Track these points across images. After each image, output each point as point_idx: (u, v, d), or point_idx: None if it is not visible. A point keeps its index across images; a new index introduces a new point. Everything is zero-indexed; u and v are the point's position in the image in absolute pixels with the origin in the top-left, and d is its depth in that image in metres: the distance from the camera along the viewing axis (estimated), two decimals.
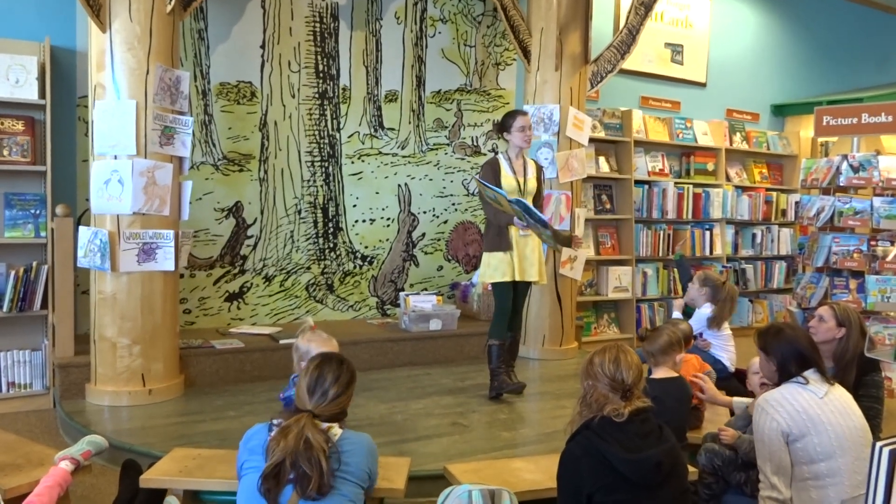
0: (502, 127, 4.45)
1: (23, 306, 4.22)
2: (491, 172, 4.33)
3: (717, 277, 4.53)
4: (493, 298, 4.45)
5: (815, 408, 2.51)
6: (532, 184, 4.39)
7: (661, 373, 3.01)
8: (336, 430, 2.13)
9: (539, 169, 4.51)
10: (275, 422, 2.13)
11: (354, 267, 5.72)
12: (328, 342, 2.76)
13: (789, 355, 2.65)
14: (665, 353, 3.06)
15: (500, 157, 4.42)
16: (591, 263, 6.40)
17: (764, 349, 2.76)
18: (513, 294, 4.40)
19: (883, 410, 3.35)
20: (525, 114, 4.43)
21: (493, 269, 4.31)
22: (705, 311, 4.39)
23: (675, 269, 6.12)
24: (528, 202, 3.99)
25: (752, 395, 3.41)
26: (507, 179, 4.32)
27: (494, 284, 4.37)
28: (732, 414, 3.44)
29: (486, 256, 4.36)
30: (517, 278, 4.31)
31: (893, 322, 4.80)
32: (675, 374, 3.07)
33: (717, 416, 3.53)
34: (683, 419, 3.03)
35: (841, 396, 2.61)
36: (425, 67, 5.90)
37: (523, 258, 4.31)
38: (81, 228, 4.07)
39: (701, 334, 4.40)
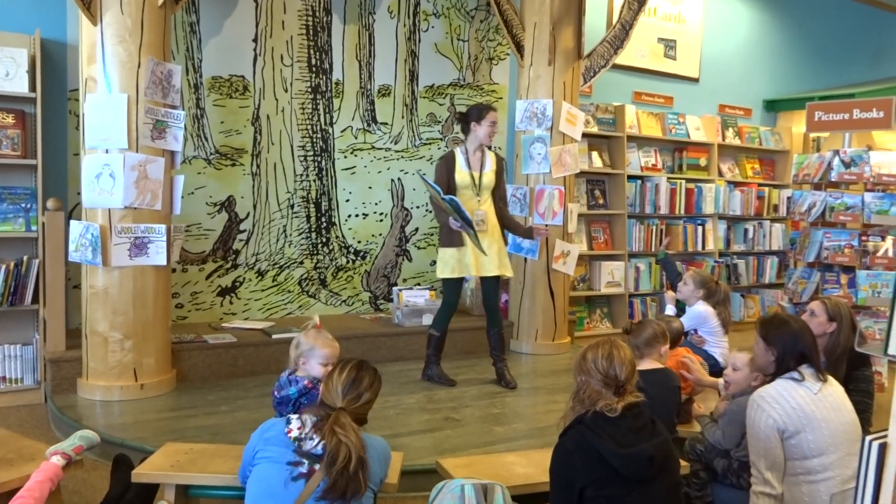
0: (469, 117, 4.39)
1: (14, 301, 4.21)
2: (444, 167, 4.31)
3: (710, 278, 4.58)
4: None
5: (811, 404, 2.51)
6: (489, 178, 4.38)
7: (646, 364, 3.02)
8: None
9: (499, 161, 4.49)
10: (300, 417, 2.13)
11: (347, 262, 5.71)
12: (332, 343, 2.74)
13: (791, 349, 2.60)
14: (649, 345, 3.07)
15: (458, 151, 4.39)
16: (583, 258, 6.40)
17: (765, 338, 2.69)
18: (480, 292, 4.48)
19: (873, 404, 3.38)
20: (496, 110, 4.42)
21: (444, 263, 4.35)
22: (699, 308, 4.42)
23: (662, 268, 6.14)
24: (480, 194, 3.98)
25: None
26: (461, 175, 4.31)
27: (443, 280, 4.41)
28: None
29: (439, 252, 4.38)
30: (473, 274, 4.32)
31: (884, 317, 4.83)
32: (661, 366, 3.09)
33: (709, 411, 3.54)
34: (671, 410, 3.04)
35: (835, 392, 2.60)
36: (418, 62, 5.88)
37: (479, 254, 4.29)
38: (73, 222, 4.04)
39: (696, 330, 4.43)
